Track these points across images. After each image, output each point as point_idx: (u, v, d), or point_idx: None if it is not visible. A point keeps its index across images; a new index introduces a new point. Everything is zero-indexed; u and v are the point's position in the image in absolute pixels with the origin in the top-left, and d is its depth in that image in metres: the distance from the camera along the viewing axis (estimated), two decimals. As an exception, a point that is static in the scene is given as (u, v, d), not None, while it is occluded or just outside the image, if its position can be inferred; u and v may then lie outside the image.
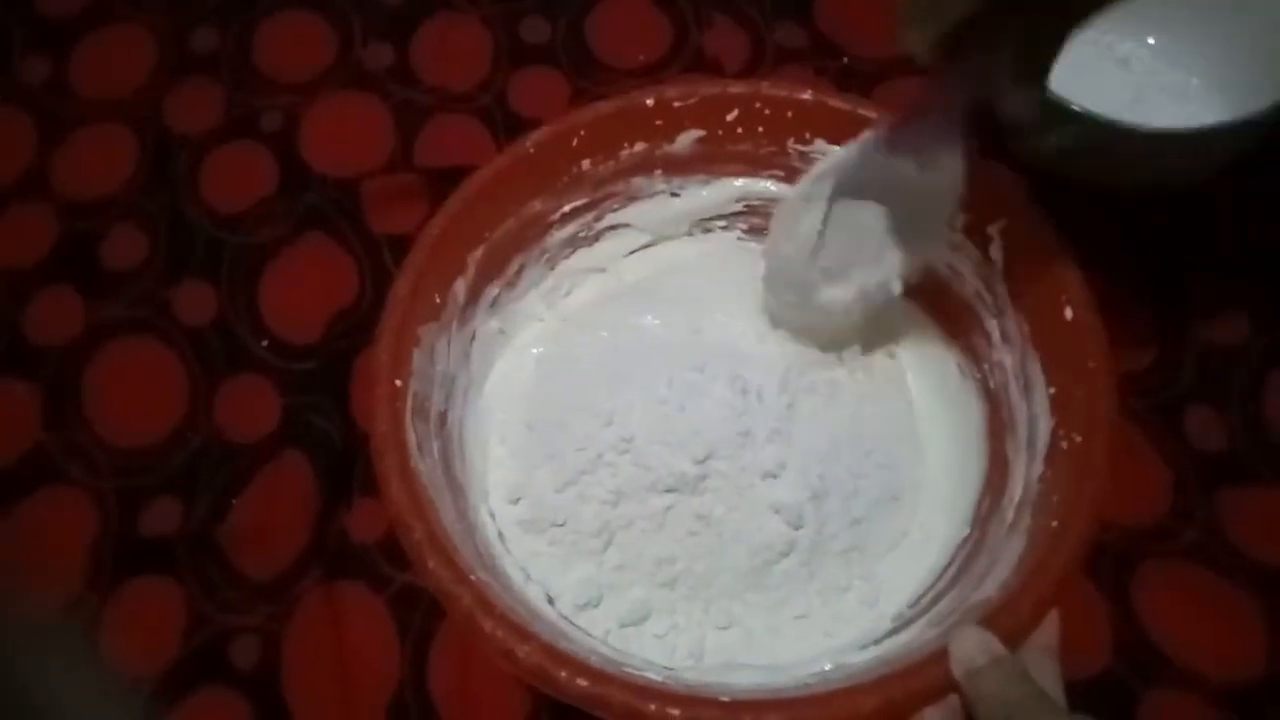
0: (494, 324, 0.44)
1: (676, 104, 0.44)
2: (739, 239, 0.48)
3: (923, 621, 0.37)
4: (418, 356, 0.39)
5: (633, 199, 0.46)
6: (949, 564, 0.39)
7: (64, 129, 0.57)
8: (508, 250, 0.44)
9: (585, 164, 0.44)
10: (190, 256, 0.53)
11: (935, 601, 0.37)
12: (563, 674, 0.32)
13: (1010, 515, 0.37)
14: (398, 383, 0.38)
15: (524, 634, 0.33)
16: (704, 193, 0.46)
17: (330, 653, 0.43)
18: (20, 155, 0.56)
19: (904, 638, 0.36)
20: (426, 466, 0.37)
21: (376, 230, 0.53)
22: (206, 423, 0.48)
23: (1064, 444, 0.36)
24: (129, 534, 0.46)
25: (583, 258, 0.47)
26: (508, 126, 0.56)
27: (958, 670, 0.31)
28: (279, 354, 0.50)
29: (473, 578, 0.34)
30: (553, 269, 0.46)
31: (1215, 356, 0.48)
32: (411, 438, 0.37)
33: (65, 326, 0.51)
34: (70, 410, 0.49)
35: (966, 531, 0.40)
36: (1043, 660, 0.32)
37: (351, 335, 0.50)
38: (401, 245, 0.50)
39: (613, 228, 0.47)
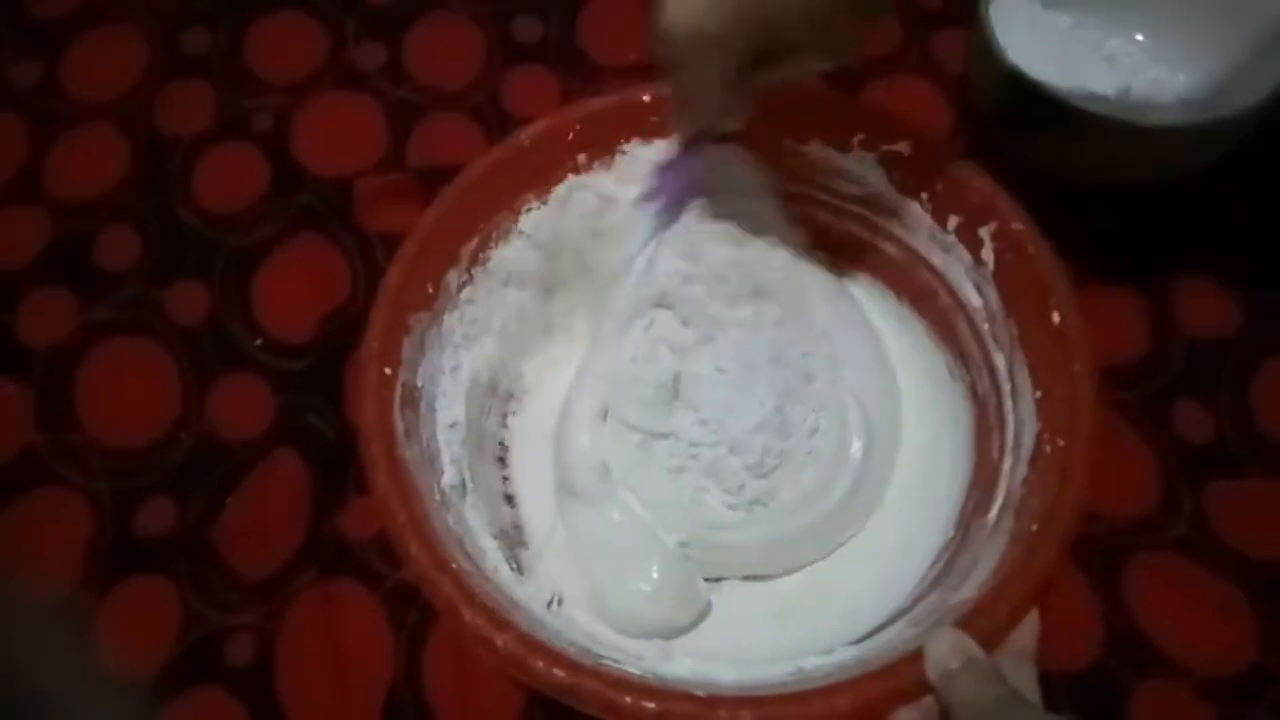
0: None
1: None
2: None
3: (903, 622, 0.37)
4: (408, 345, 0.39)
5: None
6: (932, 565, 0.39)
7: (56, 130, 0.56)
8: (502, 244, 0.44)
9: (580, 159, 0.44)
10: (183, 257, 0.53)
11: (916, 602, 0.38)
12: (539, 664, 0.32)
13: (993, 517, 0.37)
14: (387, 370, 0.38)
15: (502, 623, 0.33)
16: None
17: (325, 651, 0.43)
18: (12, 157, 0.56)
19: (884, 638, 0.36)
20: (413, 454, 0.37)
21: (369, 230, 0.53)
22: (200, 422, 0.48)
23: (1047, 448, 0.37)
24: (123, 534, 0.46)
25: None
26: (500, 125, 0.56)
27: (932, 672, 0.31)
28: (272, 353, 0.50)
29: (454, 565, 0.34)
30: None
31: (1203, 350, 0.48)
32: (399, 425, 0.37)
33: (58, 327, 0.51)
34: (63, 411, 0.49)
35: (951, 534, 0.40)
36: (1019, 663, 0.32)
37: (345, 334, 0.50)
38: (394, 244, 0.50)
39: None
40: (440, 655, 0.43)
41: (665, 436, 0.41)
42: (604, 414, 0.42)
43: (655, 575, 0.39)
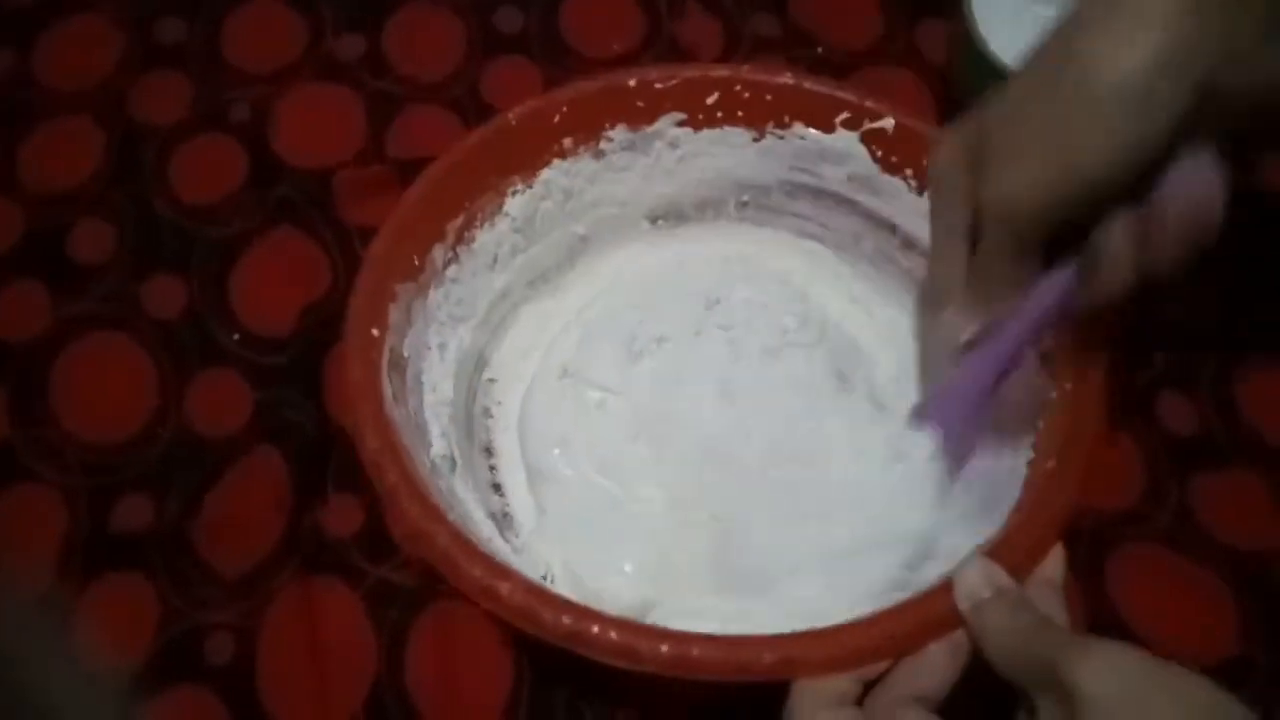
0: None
1: (658, 85, 0.44)
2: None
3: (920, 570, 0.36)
4: (394, 312, 0.39)
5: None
6: (941, 513, 0.39)
7: (28, 121, 0.55)
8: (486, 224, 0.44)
9: (566, 142, 0.44)
10: (159, 250, 0.52)
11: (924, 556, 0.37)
12: (548, 612, 0.31)
13: (1005, 467, 0.37)
14: (374, 331, 0.37)
15: (505, 572, 0.32)
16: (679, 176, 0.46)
17: (306, 648, 0.43)
18: (-16, 148, 0.55)
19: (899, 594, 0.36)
20: (401, 416, 0.37)
21: (348, 222, 0.52)
22: (177, 418, 0.48)
23: (1053, 393, 0.37)
24: (99, 531, 0.45)
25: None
26: (481, 117, 0.55)
27: (962, 603, 0.31)
28: (250, 347, 0.49)
29: (449, 518, 0.33)
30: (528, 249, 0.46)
31: (1187, 340, 0.48)
32: (387, 387, 0.37)
33: (32, 322, 0.50)
34: (38, 407, 0.48)
35: (958, 486, 0.39)
36: (1048, 593, 0.32)
37: (324, 328, 0.49)
38: (374, 237, 0.50)
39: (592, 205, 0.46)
40: (422, 652, 0.43)
41: (620, 394, 0.40)
42: (564, 375, 0.41)
43: (635, 554, 0.39)
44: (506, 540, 0.40)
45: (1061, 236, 0.33)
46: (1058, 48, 0.32)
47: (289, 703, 0.42)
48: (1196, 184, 0.31)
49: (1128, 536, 0.44)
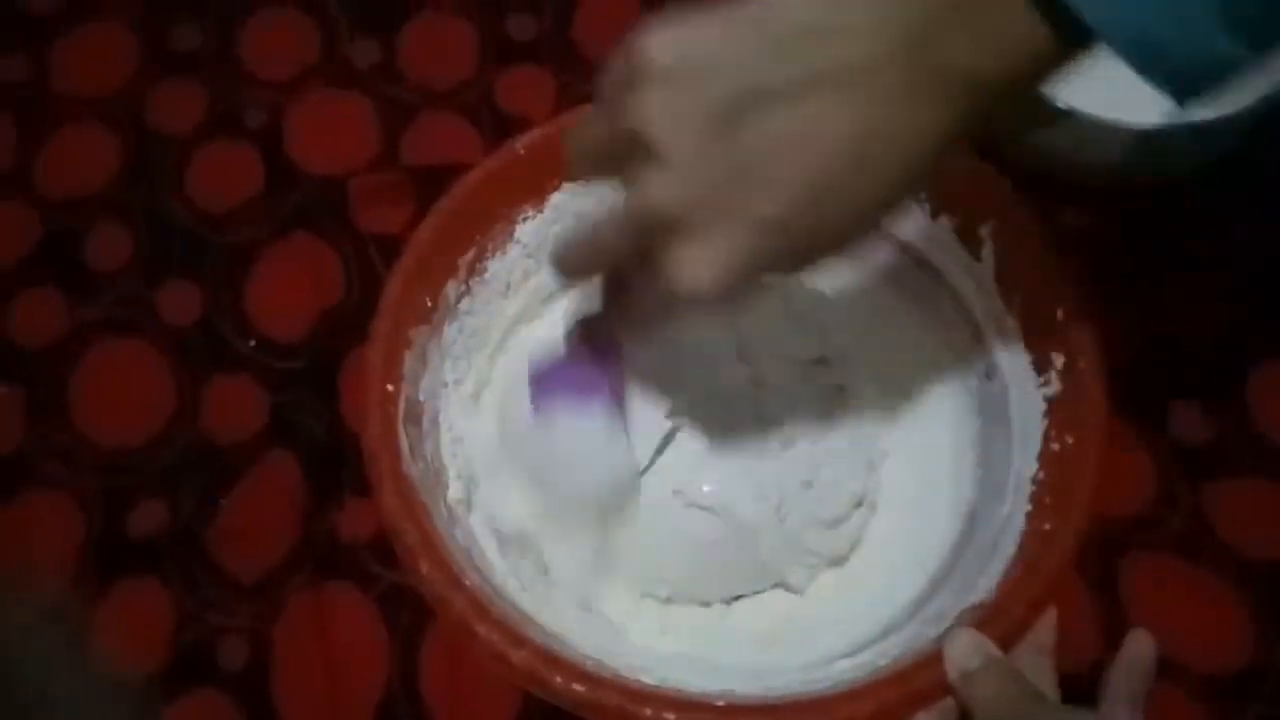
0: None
1: None
2: None
3: (914, 624, 0.37)
4: (409, 359, 0.39)
5: None
6: (939, 566, 0.39)
7: (45, 128, 0.56)
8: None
9: None
10: (175, 256, 0.52)
11: (925, 604, 0.38)
12: (557, 678, 0.32)
13: (1002, 516, 0.37)
14: (389, 387, 0.38)
15: (517, 638, 0.33)
16: None
17: (320, 653, 0.43)
18: (0, 154, 0.55)
19: (896, 640, 0.36)
20: (419, 470, 0.37)
21: (363, 229, 0.52)
22: (193, 423, 0.48)
23: (1055, 445, 0.37)
24: (115, 536, 0.46)
25: None
26: (495, 124, 0.55)
27: (952, 673, 0.31)
28: (266, 353, 0.50)
29: (466, 582, 0.34)
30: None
31: (1199, 349, 0.48)
32: (404, 442, 0.37)
33: (49, 327, 0.50)
34: (54, 412, 0.48)
35: (957, 533, 0.40)
36: (1038, 660, 0.33)
37: (339, 334, 0.49)
38: (388, 243, 0.50)
39: None
40: (435, 656, 0.43)
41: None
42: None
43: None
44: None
45: None
46: None
47: (303, 707, 0.42)
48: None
49: (1139, 544, 0.44)
